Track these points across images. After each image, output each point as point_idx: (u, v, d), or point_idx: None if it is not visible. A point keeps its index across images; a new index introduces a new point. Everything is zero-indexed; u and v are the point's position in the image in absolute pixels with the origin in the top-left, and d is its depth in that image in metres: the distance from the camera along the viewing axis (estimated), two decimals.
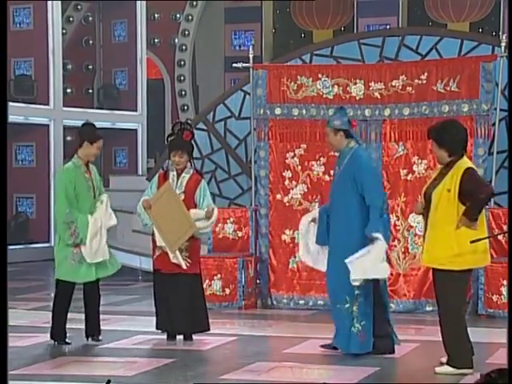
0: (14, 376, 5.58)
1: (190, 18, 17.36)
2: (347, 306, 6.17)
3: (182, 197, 6.79)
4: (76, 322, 7.04)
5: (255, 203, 9.04)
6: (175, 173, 6.88)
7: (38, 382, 5.48)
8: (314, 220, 6.51)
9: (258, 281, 8.90)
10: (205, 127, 10.55)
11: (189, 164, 6.91)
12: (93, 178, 6.80)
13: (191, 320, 6.77)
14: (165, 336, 6.89)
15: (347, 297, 6.16)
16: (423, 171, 8.48)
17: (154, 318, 6.92)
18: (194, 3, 17.30)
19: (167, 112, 17.49)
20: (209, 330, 6.88)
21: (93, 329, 6.80)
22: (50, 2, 14.05)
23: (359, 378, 5.56)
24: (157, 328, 6.89)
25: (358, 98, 8.62)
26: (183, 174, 6.86)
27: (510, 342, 5.47)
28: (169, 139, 7.00)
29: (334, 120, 6.48)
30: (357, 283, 6.07)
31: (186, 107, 17.51)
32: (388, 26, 14.83)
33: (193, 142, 7.04)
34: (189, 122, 7.29)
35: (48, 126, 14.30)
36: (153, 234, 6.86)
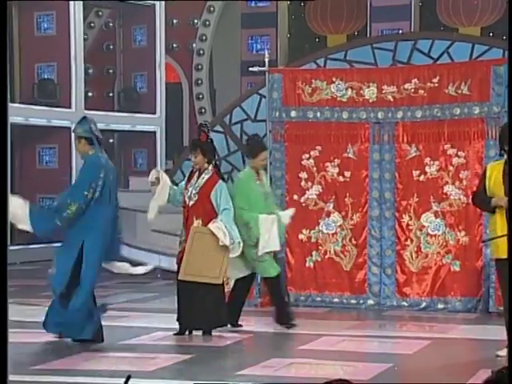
0: (39, 371, 5.62)
1: (207, 23, 17.38)
2: None
3: (196, 197, 6.80)
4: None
5: None
6: (198, 173, 6.91)
7: (62, 376, 5.50)
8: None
9: None
10: (222, 129, 10.58)
11: (207, 165, 6.92)
12: (264, 185, 7.37)
13: (212, 316, 6.79)
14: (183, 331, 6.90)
15: None
16: (435, 172, 8.45)
17: (174, 315, 6.93)
18: (212, 9, 17.32)
19: (185, 115, 17.52)
20: (226, 324, 6.89)
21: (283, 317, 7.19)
22: (72, 9, 14.11)
23: (373, 374, 5.55)
24: (178, 320, 6.89)
25: (371, 101, 8.61)
26: (203, 175, 6.88)
27: (510, 341, 5.45)
28: None
29: (76, 128, 6.94)
30: None
31: (203, 110, 17.53)
32: (400, 31, 14.78)
33: (211, 143, 7.03)
34: (205, 123, 7.30)
35: (70, 128, 14.35)
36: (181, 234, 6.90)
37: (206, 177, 6.86)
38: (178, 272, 6.86)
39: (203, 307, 6.74)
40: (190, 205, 6.82)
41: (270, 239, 7.15)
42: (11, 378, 5.44)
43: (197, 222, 6.78)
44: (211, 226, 6.69)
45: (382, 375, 5.56)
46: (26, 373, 5.56)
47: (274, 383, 5.33)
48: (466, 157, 8.33)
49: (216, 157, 7.13)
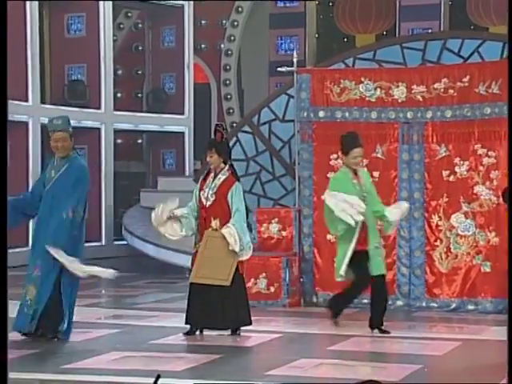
0: (69, 370, 5.64)
1: (235, 23, 17.38)
2: None
3: (214, 198, 6.80)
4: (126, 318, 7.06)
5: (299, 204, 9.01)
6: (213, 174, 6.90)
7: (92, 375, 5.52)
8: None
9: (301, 279, 8.87)
10: (250, 130, 10.55)
11: (223, 165, 6.89)
12: (361, 183, 7.04)
13: (236, 315, 6.79)
14: (209, 332, 6.89)
15: None
16: (465, 172, 8.37)
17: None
18: (240, 9, 17.33)
19: (213, 115, 17.54)
20: (251, 323, 6.89)
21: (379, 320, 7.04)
22: (102, 10, 14.19)
23: (403, 375, 5.50)
24: (187, 323, 6.88)
25: (400, 101, 8.55)
26: (219, 176, 6.87)
27: (510, 341, 5.33)
28: None
29: (62, 125, 6.82)
30: None
31: (231, 110, 17.55)
32: (430, 30, 14.67)
33: (226, 144, 7.01)
34: (221, 123, 7.25)
35: (99, 129, 14.44)
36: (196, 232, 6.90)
37: (223, 177, 6.85)
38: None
39: (218, 307, 6.74)
40: (208, 205, 6.82)
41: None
42: (44, 376, 5.48)
43: (214, 223, 6.77)
44: (224, 230, 6.70)
45: (411, 376, 5.50)
46: (57, 371, 5.59)
47: None
48: (497, 157, 8.24)
49: (230, 157, 7.06)
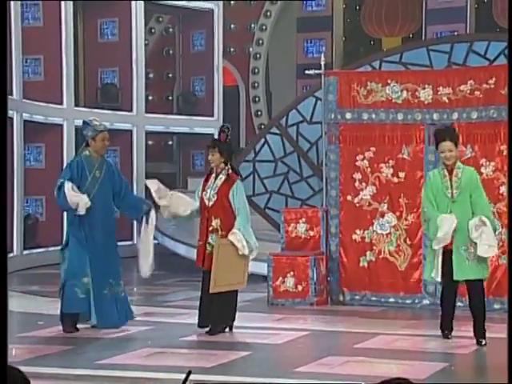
0: (103, 365, 5.69)
1: (264, 27, 17.40)
2: None
3: (215, 198, 6.81)
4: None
5: (326, 204, 9.00)
6: (214, 175, 6.91)
7: (124, 371, 5.56)
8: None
9: (328, 278, 8.86)
10: (278, 131, 10.56)
11: (224, 165, 6.89)
12: (452, 180, 6.44)
13: (228, 313, 6.84)
14: (237, 330, 6.91)
15: None
16: (491, 173, 8.30)
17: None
18: (268, 14, 17.34)
19: (242, 117, 17.57)
20: (234, 320, 6.93)
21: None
22: (134, 15, 14.28)
23: (430, 373, 5.48)
24: (199, 326, 6.89)
25: (426, 103, 8.50)
26: (220, 176, 6.89)
27: (510, 341, 5.27)
28: None
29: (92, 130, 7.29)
30: None
31: (259, 112, 17.56)
32: (456, 33, 14.57)
33: (229, 145, 6.99)
34: (227, 125, 7.21)
35: (131, 131, 14.53)
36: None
37: (224, 177, 6.86)
38: (203, 281, 6.88)
39: (222, 305, 6.81)
40: (210, 205, 6.85)
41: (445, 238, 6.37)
42: (79, 372, 5.54)
43: (215, 222, 6.80)
44: (231, 237, 6.73)
45: (438, 374, 5.48)
46: (91, 367, 5.65)
47: (329, 382, 5.30)
48: None
49: (231, 159, 7.06)
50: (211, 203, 6.84)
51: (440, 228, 6.35)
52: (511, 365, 3.77)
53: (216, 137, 7.24)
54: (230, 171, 6.90)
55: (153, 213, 7.25)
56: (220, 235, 6.77)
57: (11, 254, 11.67)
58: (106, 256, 6.97)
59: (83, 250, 6.89)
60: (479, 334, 6.50)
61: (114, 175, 7.16)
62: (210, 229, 6.82)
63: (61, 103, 13.25)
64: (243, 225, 6.77)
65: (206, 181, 6.95)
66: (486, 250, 6.44)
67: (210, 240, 6.81)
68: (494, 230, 6.62)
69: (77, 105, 13.93)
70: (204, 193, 6.90)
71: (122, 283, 7.11)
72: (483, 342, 6.43)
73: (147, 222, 7.18)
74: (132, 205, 7.29)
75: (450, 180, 6.47)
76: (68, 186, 6.83)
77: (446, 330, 6.69)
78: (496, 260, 8.20)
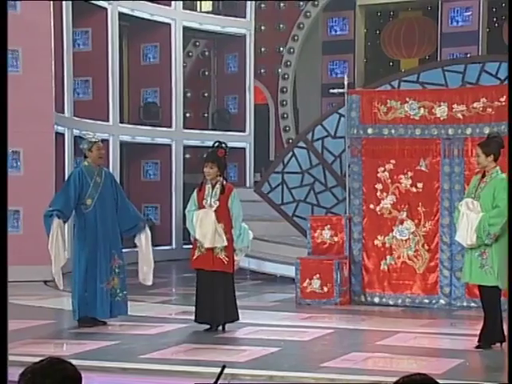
0: (146, 359, 5.71)
1: (291, 50, 17.41)
2: None
3: (217, 204, 6.83)
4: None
5: (349, 212, 8.96)
6: (210, 185, 6.92)
7: (166, 365, 5.58)
8: None
9: (351, 280, 8.81)
10: (305, 145, 10.54)
11: (220, 178, 6.92)
12: (481, 187, 6.13)
13: (225, 312, 6.82)
14: (267, 328, 6.88)
15: None
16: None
17: (262, 312, 6.94)
18: (296, 38, 17.35)
19: (271, 132, 17.57)
20: (238, 319, 6.89)
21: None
22: (173, 40, 14.38)
23: (446, 369, 5.41)
24: (196, 321, 6.87)
25: (442, 119, 8.45)
26: (217, 185, 6.91)
27: (510, 341, 5.19)
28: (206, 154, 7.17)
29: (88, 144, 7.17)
30: None
31: (287, 128, 17.55)
32: (469, 55, 14.45)
33: (225, 160, 7.05)
34: (224, 142, 7.22)
35: (170, 145, 14.60)
36: (195, 239, 6.94)
37: (220, 186, 6.90)
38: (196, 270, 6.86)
39: (219, 303, 6.82)
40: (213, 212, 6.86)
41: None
42: (125, 365, 5.56)
43: (220, 226, 6.81)
44: (238, 259, 6.91)
45: (454, 370, 5.41)
46: (135, 360, 5.67)
47: (354, 376, 5.26)
48: None
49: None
50: (213, 209, 6.86)
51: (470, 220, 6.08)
52: (511, 365, 3.70)
53: (216, 151, 7.05)
54: (224, 182, 6.95)
55: (147, 229, 7.27)
56: (225, 238, 6.82)
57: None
58: (105, 257, 7.01)
59: (87, 252, 6.94)
60: (484, 339, 6.07)
61: (112, 183, 7.23)
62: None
63: (107, 120, 13.37)
64: (242, 229, 6.88)
65: (200, 190, 6.96)
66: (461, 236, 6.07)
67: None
68: (484, 230, 6.00)
69: (121, 121, 14.04)
70: (204, 201, 6.92)
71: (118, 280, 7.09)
72: (480, 345, 6.00)
73: (140, 236, 7.21)
74: (127, 220, 7.21)
75: (479, 186, 6.19)
76: (53, 227, 6.81)
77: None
78: None
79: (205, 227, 6.77)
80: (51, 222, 6.79)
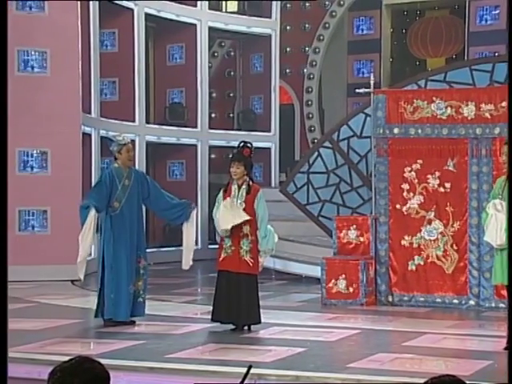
0: (172, 359, 5.71)
1: (317, 50, 17.37)
2: None
3: (244, 205, 6.79)
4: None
5: (375, 212, 8.91)
6: (236, 186, 6.87)
7: (192, 364, 5.58)
8: None
9: (377, 281, 8.76)
10: (330, 145, 10.50)
11: (246, 177, 6.88)
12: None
13: (248, 313, 6.80)
14: (293, 328, 6.86)
15: None
16: None
17: (288, 312, 6.92)
18: (321, 37, 17.31)
19: (297, 132, 17.54)
20: (260, 322, 6.84)
21: None
22: (199, 40, 14.42)
23: (474, 370, 5.35)
24: (212, 320, 6.86)
25: (469, 118, 8.37)
26: (243, 186, 6.86)
27: (510, 341, 5.08)
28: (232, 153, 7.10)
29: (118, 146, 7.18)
30: None
31: (313, 128, 17.51)
32: (497, 54, 14.30)
33: (251, 159, 7.01)
34: (250, 142, 7.18)
35: (196, 145, 14.64)
36: (221, 240, 6.92)
37: (247, 187, 6.85)
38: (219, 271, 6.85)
39: (243, 305, 6.81)
40: None
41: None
42: (152, 364, 5.57)
43: (245, 228, 6.79)
44: (262, 260, 6.84)
45: (482, 371, 5.35)
46: (162, 360, 5.68)
47: (380, 377, 5.22)
48: None
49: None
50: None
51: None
52: (511, 365, 3.63)
53: (239, 150, 7.03)
54: (251, 182, 6.90)
55: (194, 213, 7.25)
56: (250, 240, 6.78)
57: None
58: (132, 259, 7.06)
59: (113, 253, 6.99)
60: (508, 336, 5.96)
61: (143, 183, 7.24)
62: (241, 234, 6.81)
63: (133, 120, 13.44)
64: (267, 231, 6.82)
65: (226, 191, 6.93)
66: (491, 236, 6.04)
67: (241, 245, 6.81)
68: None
69: (148, 122, 14.10)
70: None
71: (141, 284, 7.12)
72: (508, 346, 5.84)
73: (187, 221, 7.23)
74: (171, 208, 7.31)
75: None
76: (90, 216, 6.87)
77: None
78: None
79: (227, 212, 6.75)
80: (87, 213, 6.86)
